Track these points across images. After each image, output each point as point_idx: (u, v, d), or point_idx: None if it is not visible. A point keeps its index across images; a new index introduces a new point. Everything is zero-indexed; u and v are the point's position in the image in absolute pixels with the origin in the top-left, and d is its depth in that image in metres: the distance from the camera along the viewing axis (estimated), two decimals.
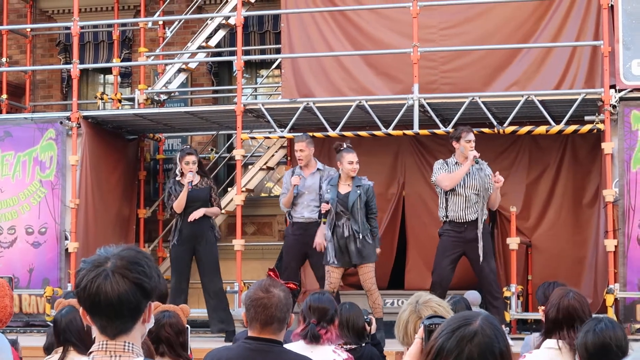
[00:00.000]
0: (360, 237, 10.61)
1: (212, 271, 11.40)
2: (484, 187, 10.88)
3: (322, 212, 10.85)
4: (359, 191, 10.70)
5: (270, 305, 4.51)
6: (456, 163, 10.97)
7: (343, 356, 6.02)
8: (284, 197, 11.48)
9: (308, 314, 6.02)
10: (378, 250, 10.91)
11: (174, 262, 11.74)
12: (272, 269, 5.00)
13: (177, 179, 11.63)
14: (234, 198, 12.90)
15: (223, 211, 13.83)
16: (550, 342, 5.29)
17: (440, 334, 2.73)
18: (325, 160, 12.43)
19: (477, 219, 10.85)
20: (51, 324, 5.58)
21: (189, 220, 11.46)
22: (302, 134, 11.78)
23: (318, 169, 11.46)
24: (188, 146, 12.40)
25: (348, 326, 6.85)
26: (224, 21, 14.45)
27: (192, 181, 11.42)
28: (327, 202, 10.76)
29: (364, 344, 6.95)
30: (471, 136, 10.92)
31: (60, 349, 5.25)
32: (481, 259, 10.75)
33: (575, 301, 5.29)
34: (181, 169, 11.61)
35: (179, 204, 11.50)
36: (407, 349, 4.20)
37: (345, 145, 10.85)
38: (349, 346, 6.78)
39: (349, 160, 10.76)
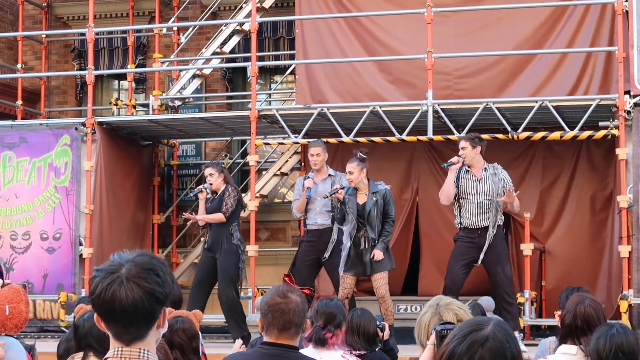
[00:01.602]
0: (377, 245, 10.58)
1: (222, 279, 11.41)
2: (497, 192, 10.84)
3: (336, 189, 10.77)
4: (374, 198, 10.66)
5: (288, 310, 4.51)
6: (467, 171, 10.93)
7: None
8: (297, 202, 11.49)
9: (315, 317, 6.04)
10: (380, 254, 10.75)
11: (197, 268, 11.97)
12: (287, 275, 5.01)
13: (208, 197, 11.71)
14: (247, 204, 12.91)
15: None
16: (565, 348, 5.30)
17: (452, 339, 2.74)
18: (339, 166, 12.43)
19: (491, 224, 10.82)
20: (66, 330, 5.60)
21: (183, 217, 11.70)
22: (317, 139, 11.80)
23: (330, 175, 11.47)
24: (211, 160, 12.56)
25: (359, 332, 6.86)
26: (238, 27, 14.48)
27: (200, 190, 11.53)
28: (343, 188, 10.71)
29: (373, 350, 6.96)
30: (461, 144, 10.87)
31: (78, 355, 5.27)
32: (480, 260, 10.72)
33: (590, 308, 5.30)
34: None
35: (200, 218, 11.62)
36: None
37: (357, 154, 10.78)
38: (358, 352, 6.79)
39: (347, 170, 10.76)
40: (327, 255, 11.12)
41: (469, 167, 10.89)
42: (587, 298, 5.40)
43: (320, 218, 11.35)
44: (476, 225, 10.82)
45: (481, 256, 10.69)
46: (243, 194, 14.34)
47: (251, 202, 12.49)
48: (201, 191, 11.57)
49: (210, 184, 11.53)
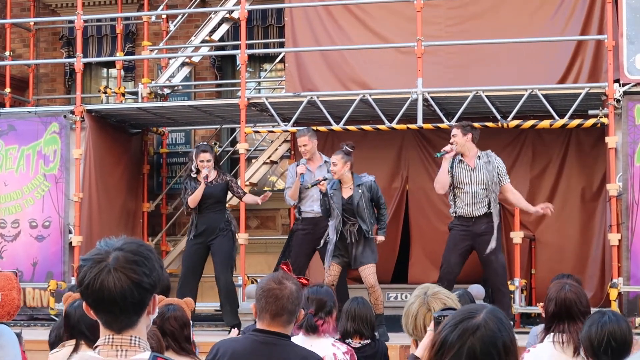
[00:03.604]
0: (366, 236, 10.51)
1: (221, 265, 11.36)
2: (493, 180, 10.81)
3: (318, 180, 10.68)
4: (360, 190, 10.59)
5: (282, 296, 4.51)
6: (460, 160, 10.92)
7: (343, 349, 6.03)
8: (290, 190, 11.43)
9: (306, 304, 6.03)
10: (382, 238, 10.80)
11: (185, 256, 11.75)
12: (285, 262, 5.00)
13: (193, 175, 11.52)
14: None
15: (227, 205, 13.88)
16: (552, 336, 5.31)
17: (444, 327, 2.74)
18: (329, 154, 12.42)
19: (485, 213, 10.79)
20: (56, 318, 5.59)
21: (261, 202, 11.68)
22: (302, 128, 11.74)
23: (325, 162, 11.42)
24: (205, 142, 12.17)
25: (366, 321, 6.88)
26: (227, 15, 14.44)
27: (207, 176, 11.33)
28: (326, 180, 10.64)
29: (378, 339, 7.01)
30: (452, 131, 10.85)
31: (69, 342, 5.26)
32: (488, 251, 10.72)
33: (571, 293, 5.33)
34: (197, 166, 11.49)
35: (194, 199, 11.35)
36: (416, 340, 4.22)
37: (343, 147, 10.65)
38: (365, 341, 6.81)
39: (331, 160, 10.62)
40: (322, 242, 11.03)
41: (462, 156, 10.85)
42: (567, 284, 5.42)
43: (317, 205, 11.24)
44: (471, 214, 10.79)
45: (493, 246, 10.66)
46: None
47: None
48: (207, 176, 11.40)
49: (209, 169, 11.41)
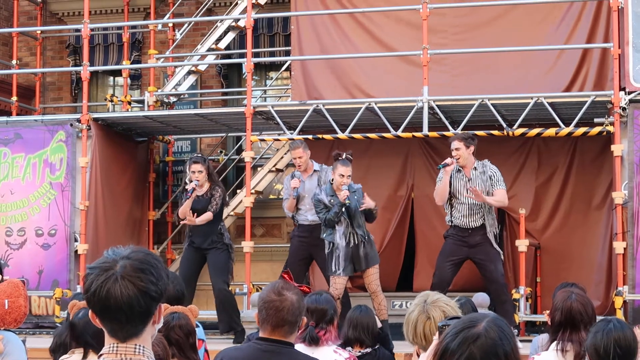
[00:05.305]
0: (366, 240, 10.55)
1: (214, 274, 11.40)
2: (486, 190, 10.83)
3: (343, 200, 10.57)
4: (355, 196, 10.60)
5: (282, 308, 4.51)
6: (458, 170, 10.95)
7: (345, 356, 6.03)
8: (287, 202, 11.50)
9: (307, 316, 6.02)
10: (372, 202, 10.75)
11: (180, 263, 11.86)
12: (286, 271, 5.00)
13: (187, 187, 11.56)
14: (243, 200, 12.92)
15: (232, 213, 13.89)
16: (556, 344, 5.32)
17: (446, 336, 2.75)
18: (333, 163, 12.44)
19: (482, 224, 10.82)
20: (60, 325, 5.60)
21: (184, 222, 11.43)
22: (295, 140, 11.78)
23: (315, 171, 11.47)
24: (199, 154, 12.14)
25: (368, 329, 6.88)
26: (233, 23, 14.47)
27: (194, 189, 11.37)
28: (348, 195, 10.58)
29: (379, 347, 7.00)
30: (454, 144, 10.83)
31: (78, 350, 5.28)
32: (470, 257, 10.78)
33: (577, 303, 5.33)
34: (190, 177, 11.55)
35: (182, 212, 11.44)
36: (418, 348, 4.23)
37: (344, 156, 10.62)
38: (366, 349, 6.80)
39: (340, 172, 10.49)
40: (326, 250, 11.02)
41: (461, 166, 10.89)
42: (574, 293, 5.42)
43: (310, 215, 11.32)
44: (467, 225, 10.84)
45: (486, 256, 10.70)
46: (238, 190, 14.36)
47: (246, 199, 12.48)
48: (194, 189, 11.44)
49: (198, 180, 11.44)
